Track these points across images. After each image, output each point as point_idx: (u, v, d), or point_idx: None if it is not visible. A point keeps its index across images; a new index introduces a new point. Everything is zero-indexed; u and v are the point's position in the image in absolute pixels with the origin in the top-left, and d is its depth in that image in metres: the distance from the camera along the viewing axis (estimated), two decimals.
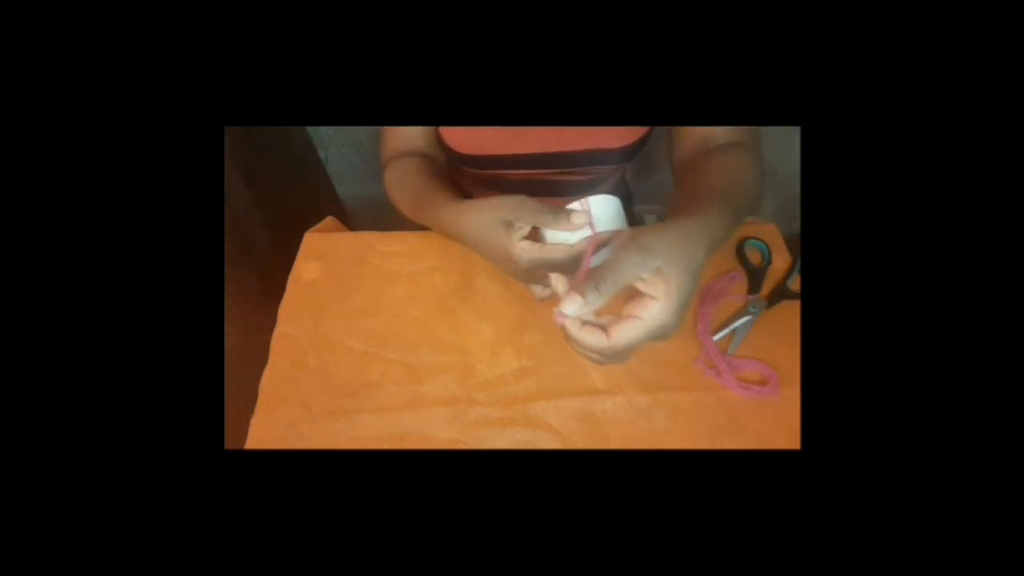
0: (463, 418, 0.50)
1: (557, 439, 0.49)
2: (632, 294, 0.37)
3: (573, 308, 0.35)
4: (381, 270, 0.60)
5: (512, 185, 0.63)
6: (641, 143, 0.60)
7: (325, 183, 1.14)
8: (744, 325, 0.54)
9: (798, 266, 0.58)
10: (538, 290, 0.48)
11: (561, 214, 0.42)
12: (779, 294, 0.56)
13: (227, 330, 0.64)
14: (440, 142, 0.63)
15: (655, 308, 0.35)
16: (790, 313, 0.55)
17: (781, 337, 0.53)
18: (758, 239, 0.60)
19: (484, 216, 0.45)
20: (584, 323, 0.37)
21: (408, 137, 0.64)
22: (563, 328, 0.38)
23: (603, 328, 0.37)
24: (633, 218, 0.71)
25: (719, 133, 0.54)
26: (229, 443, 0.38)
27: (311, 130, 1.07)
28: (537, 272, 0.44)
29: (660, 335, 0.36)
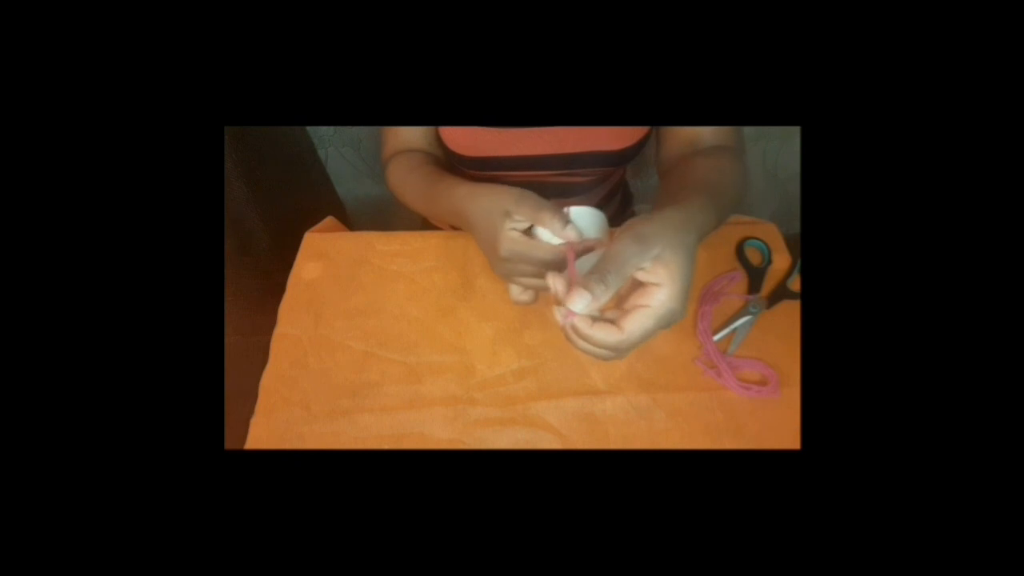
0: (463, 418, 0.50)
1: (557, 439, 0.49)
2: (633, 286, 0.38)
3: (582, 304, 0.35)
4: (381, 270, 0.60)
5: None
6: (640, 145, 0.60)
7: (325, 183, 1.13)
8: (744, 325, 0.54)
9: (798, 266, 0.58)
10: (515, 292, 0.48)
11: (557, 215, 0.42)
12: (779, 294, 0.56)
13: (227, 330, 0.64)
14: (440, 143, 0.63)
15: (661, 294, 0.36)
16: (790, 313, 0.55)
17: (781, 337, 0.54)
18: (758, 239, 0.60)
19: (486, 199, 0.46)
20: (595, 320, 0.37)
21: (409, 138, 0.64)
22: (569, 328, 0.37)
23: (613, 323, 0.37)
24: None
25: (705, 135, 0.55)
26: (229, 443, 0.38)
27: (311, 130, 1.07)
28: (515, 265, 0.44)
29: (669, 321, 0.37)
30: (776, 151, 1.14)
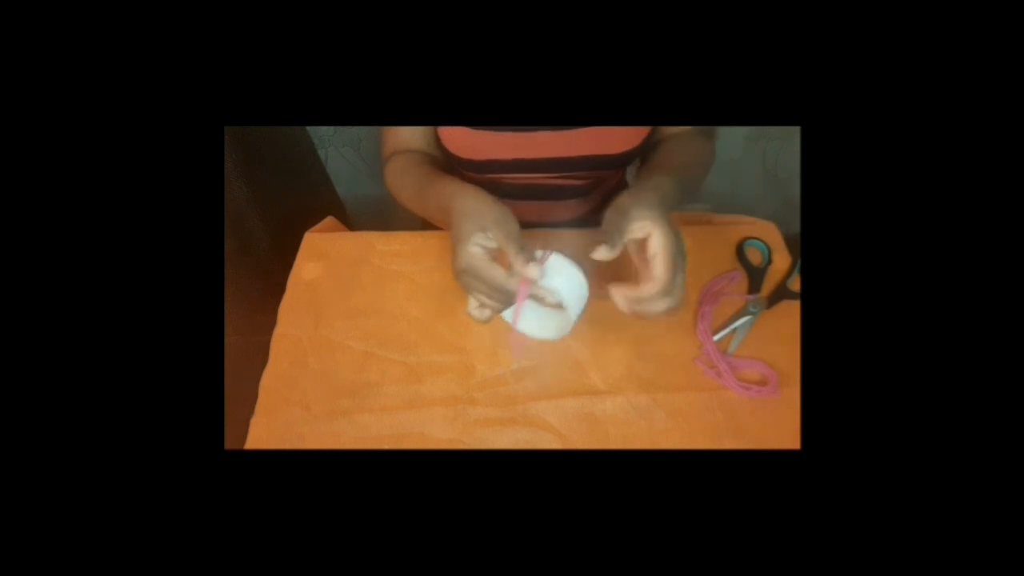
0: (463, 418, 0.50)
1: (557, 439, 0.49)
2: (639, 257, 0.43)
3: (604, 253, 0.41)
4: (381, 270, 0.60)
5: (513, 189, 0.63)
6: (640, 148, 0.60)
7: (325, 183, 1.13)
8: (744, 325, 0.54)
9: (798, 266, 0.58)
10: (472, 306, 0.47)
11: (522, 252, 0.42)
12: (779, 294, 0.56)
13: (227, 330, 0.64)
14: (439, 144, 0.63)
15: (658, 235, 0.41)
16: (790, 313, 0.55)
17: (781, 337, 0.54)
18: (758, 239, 0.60)
19: (469, 204, 0.46)
20: (629, 294, 0.42)
21: (408, 138, 0.64)
22: (623, 300, 0.43)
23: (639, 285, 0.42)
24: None
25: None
26: (229, 443, 0.38)
27: (311, 130, 1.07)
28: (470, 280, 0.44)
29: (679, 247, 0.42)
30: (776, 151, 1.14)
